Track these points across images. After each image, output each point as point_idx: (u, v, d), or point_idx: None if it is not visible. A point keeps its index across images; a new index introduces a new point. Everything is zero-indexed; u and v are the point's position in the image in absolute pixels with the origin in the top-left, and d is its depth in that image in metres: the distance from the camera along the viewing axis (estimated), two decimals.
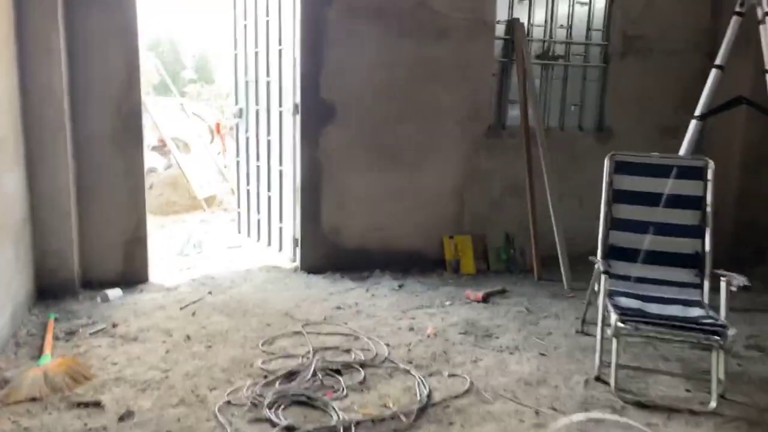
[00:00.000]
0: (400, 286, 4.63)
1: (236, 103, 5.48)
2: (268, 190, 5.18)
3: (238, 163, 5.61)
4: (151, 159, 12.48)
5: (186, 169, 9.26)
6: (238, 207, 5.65)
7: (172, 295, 4.31)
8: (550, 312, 4.19)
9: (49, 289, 4.06)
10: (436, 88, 4.91)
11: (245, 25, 5.24)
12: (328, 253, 4.88)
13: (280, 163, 4.99)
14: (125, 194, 4.34)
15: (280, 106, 4.91)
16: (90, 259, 4.30)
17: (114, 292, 4.16)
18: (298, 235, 4.88)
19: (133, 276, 4.44)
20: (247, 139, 5.41)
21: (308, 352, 3.35)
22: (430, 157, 4.99)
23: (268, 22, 4.93)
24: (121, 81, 4.19)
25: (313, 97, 4.65)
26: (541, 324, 3.95)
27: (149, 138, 12.12)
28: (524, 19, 5.14)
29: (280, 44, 4.83)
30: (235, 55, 5.43)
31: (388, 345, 3.50)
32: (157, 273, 4.88)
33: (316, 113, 4.69)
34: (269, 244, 5.27)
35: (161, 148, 11.75)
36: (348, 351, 3.40)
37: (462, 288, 4.64)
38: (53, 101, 3.88)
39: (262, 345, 3.45)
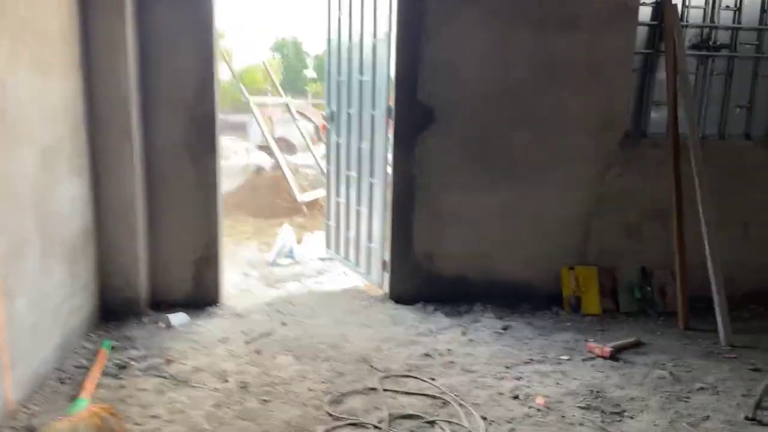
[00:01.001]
0: (505, 329, 3.81)
1: (328, 105, 4.92)
2: (358, 204, 4.57)
3: (328, 171, 5.05)
4: (259, 158, 12.56)
5: (287, 172, 8.97)
6: (328, 219, 5.10)
7: (241, 323, 3.81)
8: (704, 381, 3.19)
9: (112, 310, 3.71)
10: (559, 89, 4.01)
11: (339, 18, 4.66)
12: (420, 281, 4.17)
13: (372, 175, 4.36)
14: (197, 207, 3.91)
15: (373, 109, 4.27)
16: (158, 277, 3.91)
17: (178, 318, 3.73)
18: (388, 258, 4.21)
19: (202, 297, 4.01)
20: (338, 145, 4.83)
21: (382, 421, 2.66)
22: (550, 172, 4.11)
23: (362, 10, 4.31)
24: (195, 82, 3.75)
25: (409, 98, 3.96)
26: (692, 400, 2.98)
27: (256, 137, 12.12)
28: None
29: (374, 36, 4.18)
30: (329, 51, 4.87)
31: (485, 419, 2.72)
32: (237, 287, 4.47)
33: (412, 118, 3.99)
34: (357, 264, 4.66)
35: (269, 147, 11.65)
36: (432, 424, 2.67)
37: (583, 335, 3.74)
38: (119, 104, 3.51)
39: (329, 404, 2.82)
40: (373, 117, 4.28)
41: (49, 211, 2.98)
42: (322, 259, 5.44)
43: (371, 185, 4.36)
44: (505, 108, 4.01)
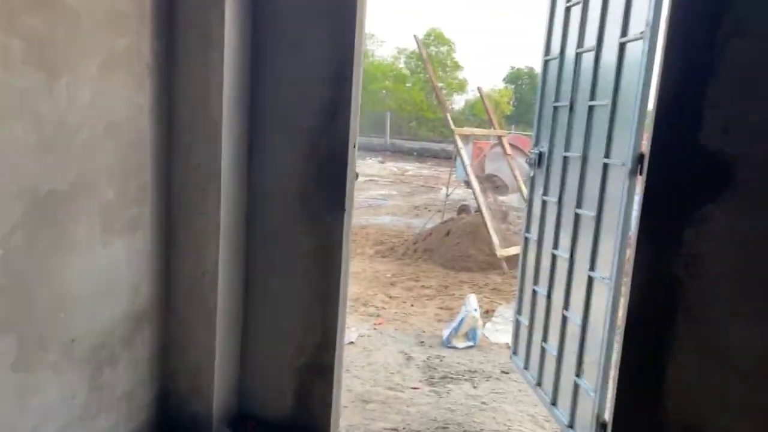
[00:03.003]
0: None
1: (535, 142, 3.26)
2: (566, 305, 2.81)
3: (526, 241, 3.37)
4: (464, 194, 11.21)
5: (488, 217, 7.42)
6: (518, 313, 3.40)
7: None
8: None
9: (173, 429, 2.53)
10: None
11: (567, 16, 2.99)
12: None
13: (592, 265, 2.58)
14: (309, 288, 2.57)
15: (607, 155, 2.51)
16: (242, 386, 2.65)
17: None
18: (608, 417, 2.40)
19: (306, 422, 2.64)
20: (544, 205, 3.13)
21: None
22: None
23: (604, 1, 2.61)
24: (321, 102, 2.44)
25: (683, 140, 2.13)
26: None
27: (461, 172, 10.79)
28: None
29: (623, 35, 2.45)
30: (544, 65, 3.22)
31: None
32: (384, 380, 3.16)
33: (685, 175, 2.15)
34: (553, 402, 2.87)
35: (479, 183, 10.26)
36: None
37: None
38: (206, 126, 2.33)
39: None
40: (606, 168, 2.52)
41: (49, 292, 1.87)
42: (503, 372, 3.89)
43: (590, 281, 2.59)
44: None
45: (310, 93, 2.43)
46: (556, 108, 3.06)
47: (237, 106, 2.39)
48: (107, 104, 2.05)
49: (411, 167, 20.31)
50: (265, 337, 2.60)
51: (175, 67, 2.31)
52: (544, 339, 2.99)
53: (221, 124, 2.31)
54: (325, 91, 2.42)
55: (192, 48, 2.29)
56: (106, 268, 2.12)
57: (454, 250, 7.59)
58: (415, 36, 7.74)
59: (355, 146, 2.49)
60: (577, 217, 2.75)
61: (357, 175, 2.58)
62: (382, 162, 21.11)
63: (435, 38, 30.62)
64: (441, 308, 5.70)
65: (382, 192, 14.54)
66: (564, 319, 2.79)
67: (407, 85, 30.52)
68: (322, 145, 2.46)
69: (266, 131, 2.48)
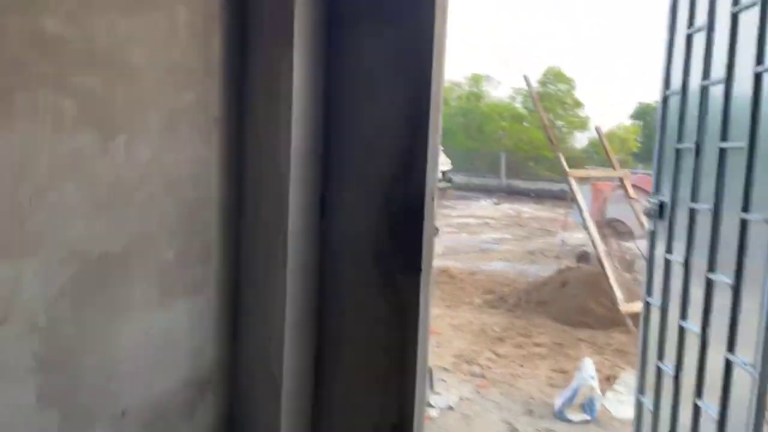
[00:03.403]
0: None
1: (655, 190, 2.79)
2: (698, 393, 2.28)
3: (647, 306, 2.86)
4: (585, 239, 10.43)
5: (609, 267, 6.75)
6: (640, 392, 2.87)
7: None
8: None
9: None
10: None
11: (688, 43, 2.55)
12: None
13: (730, 346, 2.07)
14: (384, 359, 2.30)
15: (745, 209, 2.03)
16: None
17: None
18: None
19: None
20: (668, 264, 2.64)
21: None
22: None
23: (736, 18, 2.16)
24: (395, 153, 2.21)
25: None
26: None
27: (579, 215, 10.05)
28: None
29: (759, 63, 1.99)
30: (663, 98, 2.77)
31: None
32: None
33: None
34: None
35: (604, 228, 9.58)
36: None
37: None
38: (274, 183, 2.18)
39: None
40: (744, 225, 2.03)
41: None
42: None
43: (728, 365, 2.07)
44: None
45: (383, 144, 2.21)
46: (678, 150, 2.60)
47: (307, 159, 2.23)
48: (169, 161, 1.96)
49: (527, 209, 19.56)
50: (336, 413, 2.35)
51: (243, 120, 2.19)
52: (672, 430, 2.46)
53: (289, 179, 2.14)
54: (400, 142, 2.19)
55: (260, 100, 2.17)
56: (165, 331, 2.00)
57: (571, 303, 6.98)
58: (524, 76, 7.41)
59: (433, 199, 2.22)
60: (709, 283, 2.25)
61: (437, 231, 2.31)
62: (496, 203, 20.54)
63: (553, 77, 29.87)
64: (554, 370, 5.18)
65: (494, 235, 14.02)
66: (696, 409, 2.27)
67: (524, 124, 29.89)
68: (396, 199, 2.22)
69: (338, 186, 2.29)
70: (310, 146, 2.23)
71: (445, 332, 6.55)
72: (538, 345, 6.00)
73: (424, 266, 2.20)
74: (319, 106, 2.26)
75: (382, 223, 2.24)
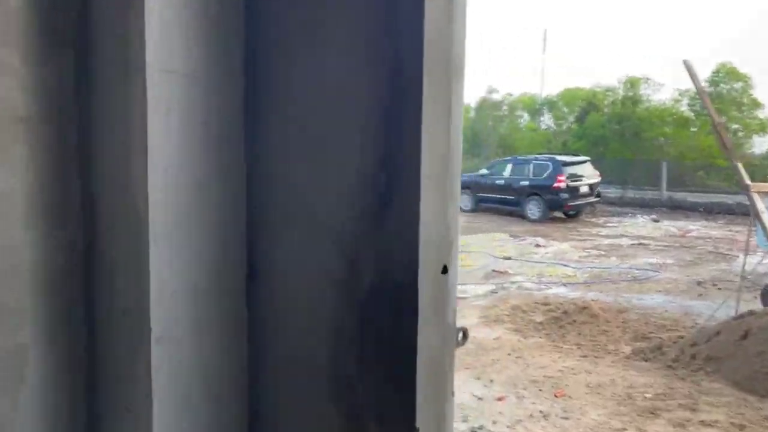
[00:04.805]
0: None
1: None
2: None
3: None
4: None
5: None
6: None
7: None
8: None
9: None
10: None
11: None
12: None
13: None
14: None
15: None
16: None
17: None
18: None
19: None
20: None
21: None
22: None
23: None
24: (364, 160, 1.07)
25: None
26: None
27: (762, 237, 7.88)
28: None
29: None
30: None
31: None
32: None
33: None
34: None
35: None
36: None
37: None
38: (129, 232, 1.15)
39: None
40: None
41: None
42: None
43: None
44: None
45: (343, 154, 1.08)
46: None
47: (200, 186, 1.16)
48: None
49: (695, 226, 16.78)
50: None
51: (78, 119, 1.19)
52: None
53: (147, 221, 1.10)
54: (367, 149, 1.04)
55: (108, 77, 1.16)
56: None
57: (755, 362, 5.18)
58: (685, 62, 5.74)
59: (446, 271, 1.04)
60: None
61: (466, 336, 1.10)
62: (656, 220, 17.94)
63: (726, 74, 26.26)
64: None
65: (652, 260, 11.86)
66: None
67: (692, 129, 26.53)
68: (365, 265, 1.07)
69: (275, 231, 1.19)
70: (209, 163, 1.16)
71: (578, 395, 5.10)
72: (707, 425, 4.39)
73: (419, 415, 1.01)
74: (227, 92, 1.18)
75: (342, 313, 1.10)
